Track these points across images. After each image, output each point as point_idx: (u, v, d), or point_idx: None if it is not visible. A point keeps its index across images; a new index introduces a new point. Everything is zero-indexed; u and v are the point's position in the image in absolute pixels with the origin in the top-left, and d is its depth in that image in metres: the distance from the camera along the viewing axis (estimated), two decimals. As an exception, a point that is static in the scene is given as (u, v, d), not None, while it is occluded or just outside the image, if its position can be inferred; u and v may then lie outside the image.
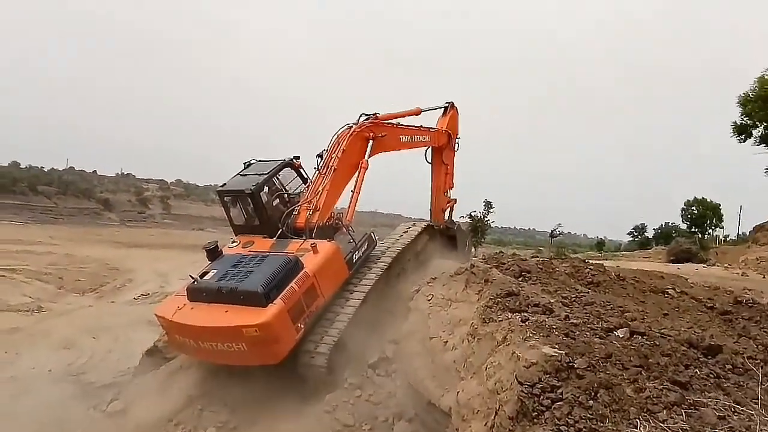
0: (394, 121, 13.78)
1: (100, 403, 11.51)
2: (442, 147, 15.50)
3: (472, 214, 62.05)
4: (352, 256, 11.72)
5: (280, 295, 9.71)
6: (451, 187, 16.00)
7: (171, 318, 10.22)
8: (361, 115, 12.88)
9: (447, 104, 15.84)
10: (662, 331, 6.72)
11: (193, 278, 10.56)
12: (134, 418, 10.88)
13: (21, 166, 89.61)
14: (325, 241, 11.18)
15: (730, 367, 5.70)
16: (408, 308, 10.88)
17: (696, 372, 5.45)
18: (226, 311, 9.72)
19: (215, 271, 10.65)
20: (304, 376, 10.22)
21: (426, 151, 15.36)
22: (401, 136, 13.90)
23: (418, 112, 14.54)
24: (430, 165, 15.69)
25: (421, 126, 14.64)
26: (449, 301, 9.85)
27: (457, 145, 15.87)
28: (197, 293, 10.29)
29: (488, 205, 63.27)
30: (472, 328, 7.95)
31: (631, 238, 79.79)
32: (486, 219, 63.39)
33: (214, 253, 11.23)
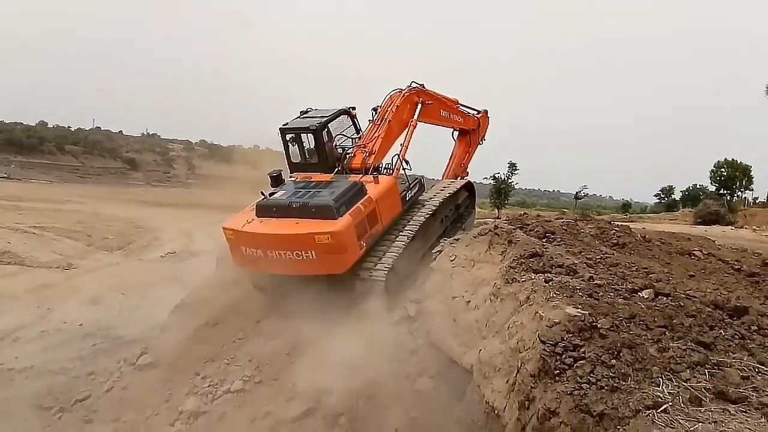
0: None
1: (129, 357, 11.82)
2: (470, 131, 16.61)
3: (496, 175, 61.73)
4: (405, 194, 12.51)
5: (349, 211, 10.53)
6: (466, 170, 16.88)
7: (241, 229, 10.85)
8: (411, 82, 13.73)
9: (483, 110, 16.95)
10: (687, 292, 6.68)
11: (263, 195, 11.33)
12: (162, 371, 11.20)
13: (48, 126, 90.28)
14: (384, 174, 12.13)
15: (756, 328, 5.63)
16: (430, 269, 10.94)
17: (721, 333, 5.41)
18: (297, 223, 10.52)
19: (283, 191, 11.46)
20: (362, 294, 10.73)
21: (453, 131, 16.49)
22: (441, 111, 14.91)
23: (455, 102, 15.52)
24: (455, 141, 16.71)
25: (459, 106, 15.71)
26: (472, 262, 9.86)
27: (480, 143, 17.01)
28: (267, 209, 11.03)
29: (512, 166, 62.77)
30: (495, 288, 7.97)
31: (657, 200, 78.86)
32: (510, 180, 62.96)
33: (277, 180, 11.96)
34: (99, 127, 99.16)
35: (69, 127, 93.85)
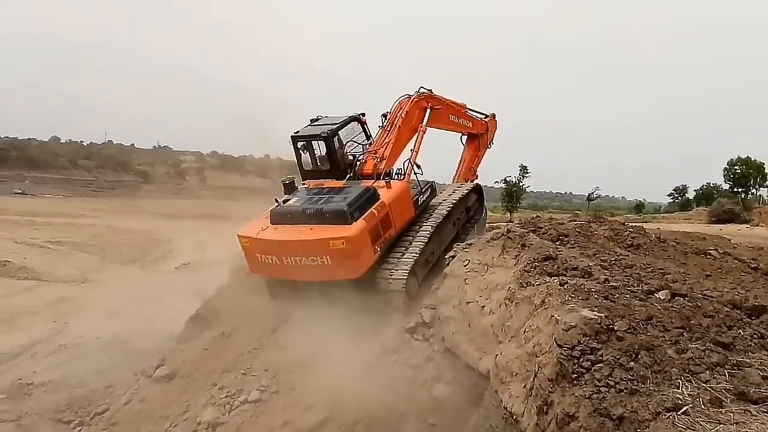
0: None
1: (146, 369, 11.89)
2: (479, 135, 16.68)
3: (507, 178, 61.56)
4: (418, 198, 12.59)
5: (362, 216, 10.60)
6: (476, 174, 16.95)
7: (256, 236, 10.92)
8: (420, 88, 13.80)
9: (490, 114, 17.09)
10: (704, 292, 6.61)
11: (277, 202, 11.42)
12: (179, 383, 11.24)
13: (61, 141, 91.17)
14: (396, 180, 12.24)
15: (775, 327, 5.58)
16: (444, 274, 10.92)
17: (739, 333, 5.36)
18: (311, 229, 10.60)
19: (296, 198, 11.57)
20: (381, 300, 10.82)
21: (462, 136, 16.53)
22: (450, 115, 15.01)
23: (463, 106, 15.61)
24: (464, 146, 16.78)
25: (467, 110, 15.78)
26: (486, 266, 9.81)
27: (489, 146, 17.13)
28: (281, 216, 11.11)
29: (524, 169, 62.60)
30: (509, 292, 7.93)
31: (671, 200, 78.34)
32: (521, 183, 62.74)
33: (290, 187, 12.10)
34: (111, 141, 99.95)
35: (81, 141, 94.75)
